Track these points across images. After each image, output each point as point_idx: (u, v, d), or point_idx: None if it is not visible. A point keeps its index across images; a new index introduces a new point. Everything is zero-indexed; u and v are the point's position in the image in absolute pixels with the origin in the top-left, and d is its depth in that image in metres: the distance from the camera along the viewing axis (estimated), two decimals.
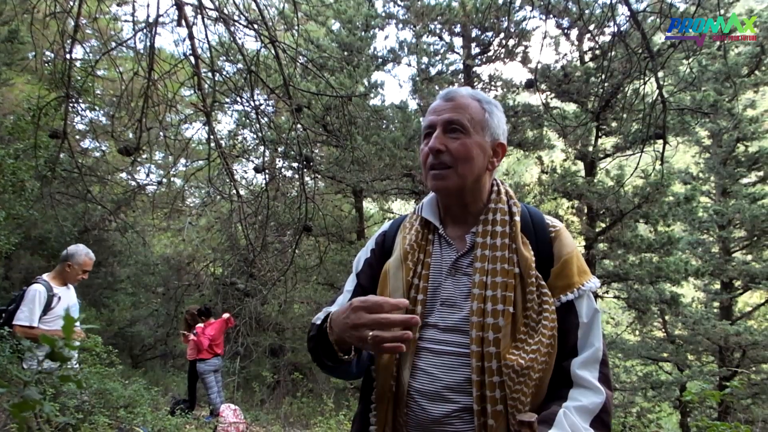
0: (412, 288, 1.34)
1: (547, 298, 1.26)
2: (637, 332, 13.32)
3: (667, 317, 12.40)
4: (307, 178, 6.78)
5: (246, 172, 12.56)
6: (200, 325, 7.47)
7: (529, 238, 1.33)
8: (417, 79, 10.99)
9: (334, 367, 1.30)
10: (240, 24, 3.73)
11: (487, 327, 1.23)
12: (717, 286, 13.28)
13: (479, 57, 11.45)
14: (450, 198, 1.39)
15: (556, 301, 1.27)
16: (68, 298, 4.19)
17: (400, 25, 11.52)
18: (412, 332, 1.14)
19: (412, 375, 1.29)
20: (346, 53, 10.65)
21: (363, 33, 11.02)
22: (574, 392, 1.22)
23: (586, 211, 11.17)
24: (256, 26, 3.66)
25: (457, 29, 11.29)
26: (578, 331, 1.27)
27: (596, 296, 11.08)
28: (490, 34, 11.14)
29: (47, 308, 3.98)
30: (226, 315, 7.75)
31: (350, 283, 1.49)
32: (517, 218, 1.34)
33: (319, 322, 1.32)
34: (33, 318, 3.90)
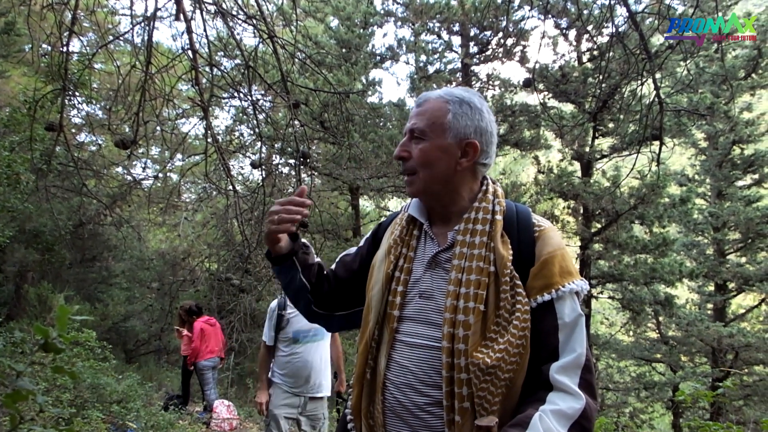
0: (393, 280, 1.39)
1: (520, 298, 1.24)
2: (630, 333, 13.39)
3: (661, 318, 12.46)
4: (303, 175, 6.77)
5: (243, 168, 12.53)
6: (179, 328, 7.44)
7: (511, 238, 1.33)
8: (415, 77, 11.00)
9: (284, 271, 1.52)
10: (238, 19, 3.73)
11: (458, 324, 1.24)
12: (711, 287, 13.35)
13: (477, 56, 11.46)
14: (426, 201, 1.44)
15: (532, 302, 1.25)
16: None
17: (399, 23, 11.53)
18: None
19: (388, 366, 1.34)
20: (344, 50, 10.63)
21: (361, 30, 11.01)
22: (553, 396, 1.19)
23: (581, 211, 11.20)
24: (254, 21, 3.65)
25: (456, 28, 11.30)
26: (558, 334, 1.24)
27: (589, 297, 11.13)
28: (488, 33, 11.16)
29: (279, 327, 3.62)
30: (200, 324, 7.26)
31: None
32: (499, 217, 1.34)
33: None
34: (269, 335, 3.63)
